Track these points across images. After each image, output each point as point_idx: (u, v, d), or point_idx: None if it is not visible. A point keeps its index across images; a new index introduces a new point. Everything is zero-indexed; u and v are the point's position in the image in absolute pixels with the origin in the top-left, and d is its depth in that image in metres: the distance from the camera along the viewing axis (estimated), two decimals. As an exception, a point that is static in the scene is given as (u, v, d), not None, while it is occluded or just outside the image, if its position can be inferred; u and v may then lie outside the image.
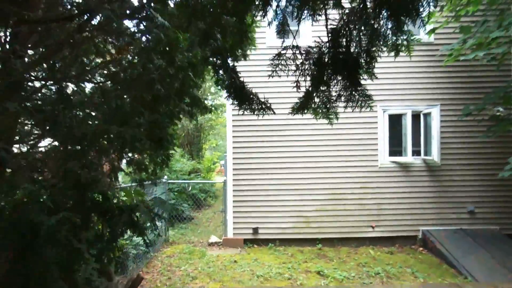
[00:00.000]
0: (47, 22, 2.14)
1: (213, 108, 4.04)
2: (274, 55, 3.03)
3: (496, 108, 6.34)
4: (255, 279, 5.13)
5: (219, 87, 3.85)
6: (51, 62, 2.29)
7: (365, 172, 7.05)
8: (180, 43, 2.44)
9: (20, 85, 2.19)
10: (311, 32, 6.77)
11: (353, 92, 2.76)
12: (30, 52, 2.40)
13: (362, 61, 2.57)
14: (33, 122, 2.56)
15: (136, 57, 2.51)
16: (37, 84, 2.35)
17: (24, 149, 2.57)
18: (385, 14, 2.24)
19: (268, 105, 3.51)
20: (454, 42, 6.30)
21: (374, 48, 2.50)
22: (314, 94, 3.01)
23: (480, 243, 6.42)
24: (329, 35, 2.55)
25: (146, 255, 5.48)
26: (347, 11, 2.40)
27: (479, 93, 6.72)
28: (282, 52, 2.94)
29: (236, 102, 3.52)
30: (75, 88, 2.33)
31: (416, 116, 7.08)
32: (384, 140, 7.04)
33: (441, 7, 6.13)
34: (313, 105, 3.09)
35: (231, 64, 3.50)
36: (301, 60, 2.87)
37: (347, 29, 2.42)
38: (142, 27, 2.32)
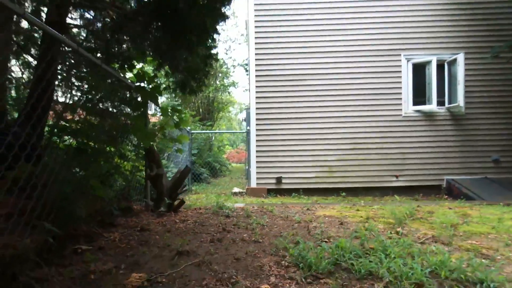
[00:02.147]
0: None
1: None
2: None
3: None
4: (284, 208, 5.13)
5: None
6: None
7: (389, 122, 7.03)
8: None
9: None
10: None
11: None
12: None
13: None
14: None
15: None
16: None
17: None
18: None
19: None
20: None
21: None
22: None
23: (507, 187, 6.39)
24: None
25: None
26: None
27: (503, 41, 6.67)
28: None
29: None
30: None
31: (440, 66, 7.04)
32: (408, 89, 7.02)
33: None
34: None
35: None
36: None
37: None
38: None
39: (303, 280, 1.71)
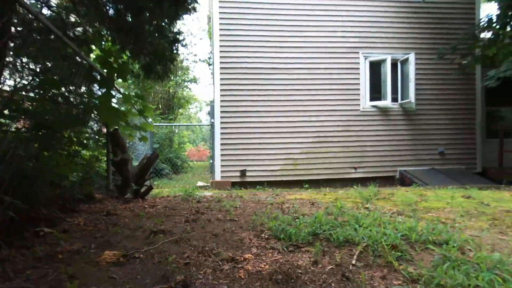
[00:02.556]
0: None
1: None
2: None
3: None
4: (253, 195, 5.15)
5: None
6: None
7: (348, 116, 7.36)
8: None
9: None
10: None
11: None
12: None
13: None
14: None
15: None
16: None
17: None
18: None
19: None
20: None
21: None
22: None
23: (451, 177, 7.01)
24: None
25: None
26: None
27: (448, 44, 7.30)
28: None
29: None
30: None
31: (394, 65, 7.53)
32: (366, 86, 7.41)
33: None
34: None
35: None
36: None
37: None
38: None
39: (285, 249, 1.73)
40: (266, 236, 1.92)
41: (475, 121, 7.66)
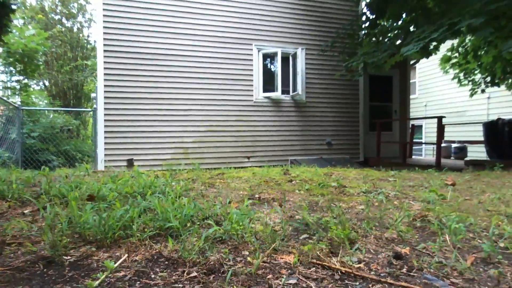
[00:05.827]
0: None
1: None
2: None
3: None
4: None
5: None
6: None
7: (242, 106, 7.48)
8: None
9: None
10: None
11: None
12: None
13: None
14: None
15: None
16: None
17: None
18: None
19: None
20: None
21: None
22: None
23: (333, 165, 7.53)
24: None
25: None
26: None
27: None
28: None
29: None
30: None
31: (285, 58, 7.85)
32: (259, 77, 7.60)
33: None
34: None
35: None
36: None
37: None
38: None
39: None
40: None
41: (359, 114, 8.37)
